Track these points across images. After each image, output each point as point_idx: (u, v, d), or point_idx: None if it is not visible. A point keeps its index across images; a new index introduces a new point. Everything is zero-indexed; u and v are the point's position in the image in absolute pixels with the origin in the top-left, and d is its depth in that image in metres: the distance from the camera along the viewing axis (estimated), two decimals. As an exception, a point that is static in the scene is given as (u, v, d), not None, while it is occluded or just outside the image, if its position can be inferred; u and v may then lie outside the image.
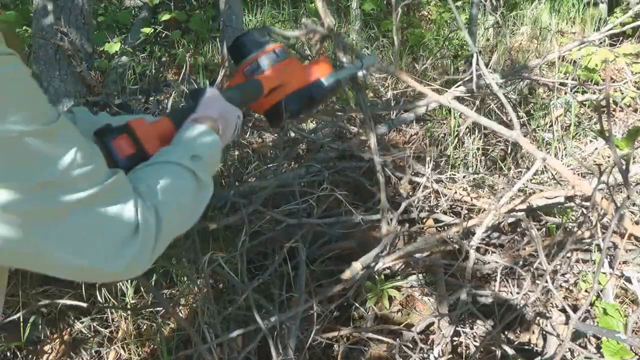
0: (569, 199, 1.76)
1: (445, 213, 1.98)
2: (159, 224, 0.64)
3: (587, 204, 1.55)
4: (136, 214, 0.61)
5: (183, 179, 0.73)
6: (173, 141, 0.81)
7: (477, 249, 1.69)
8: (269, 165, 2.22)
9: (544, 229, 1.92)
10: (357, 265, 1.45)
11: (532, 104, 2.92)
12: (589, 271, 1.70)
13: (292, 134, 2.30)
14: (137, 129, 0.81)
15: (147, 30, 3.88)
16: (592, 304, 1.56)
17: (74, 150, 0.57)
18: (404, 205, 1.70)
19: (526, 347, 1.60)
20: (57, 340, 1.67)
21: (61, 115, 0.58)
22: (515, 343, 1.61)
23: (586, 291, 1.69)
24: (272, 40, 1.08)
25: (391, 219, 1.62)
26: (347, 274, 1.42)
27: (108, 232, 0.59)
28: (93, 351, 1.64)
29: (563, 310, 1.57)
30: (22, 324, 1.60)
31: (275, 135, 2.55)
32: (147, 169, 0.73)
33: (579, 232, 1.57)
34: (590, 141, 2.72)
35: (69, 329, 1.70)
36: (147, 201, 0.65)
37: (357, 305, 1.71)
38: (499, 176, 2.26)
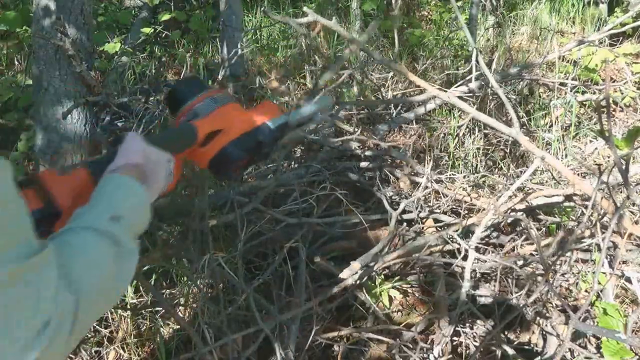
0: (569, 198, 1.76)
1: (445, 213, 1.98)
2: (76, 308, 0.54)
3: (587, 203, 1.55)
4: (53, 299, 0.51)
5: (101, 247, 0.62)
6: (90, 200, 0.69)
7: (477, 249, 1.69)
8: (268, 165, 2.22)
9: (544, 229, 1.92)
10: (355, 265, 1.46)
11: (532, 104, 2.92)
12: (588, 271, 1.70)
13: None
14: (47, 182, 0.73)
15: (147, 30, 3.87)
16: (592, 304, 1.55)
17: None
18: (403, 205, 1.70)
19: (526, 347, 1.60)
20: (57, 340, 1.66)
21: None
22: (515, 343, 1.61)
23: (586, 291, 1.69)
24: (210, 87, 0.99)
25: (390, 219, 1.63)
26: (345, 273, 1.43)
27: (19, 318, 0.48)
28: (93, 351, 1.64)
29: (563, 310, 1.57)
30: (22, 324, 1.60)
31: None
32: (61, 238, 0.61)
33: (579, 231, 1.57)
34: (590, 141, 2.72)
35: (68, 329, 1.69)
36: (62, 280, 0.53)
37: (358, 305, 1.71)
38: (499, 176, 2.26)
